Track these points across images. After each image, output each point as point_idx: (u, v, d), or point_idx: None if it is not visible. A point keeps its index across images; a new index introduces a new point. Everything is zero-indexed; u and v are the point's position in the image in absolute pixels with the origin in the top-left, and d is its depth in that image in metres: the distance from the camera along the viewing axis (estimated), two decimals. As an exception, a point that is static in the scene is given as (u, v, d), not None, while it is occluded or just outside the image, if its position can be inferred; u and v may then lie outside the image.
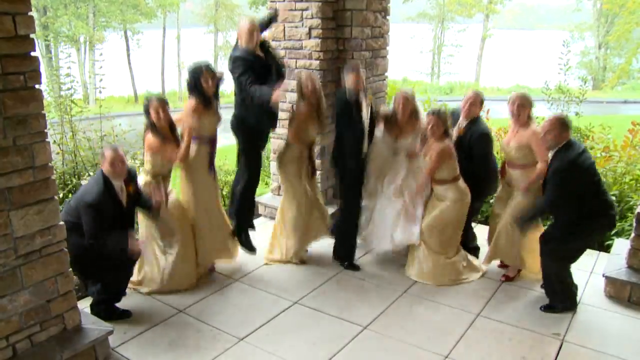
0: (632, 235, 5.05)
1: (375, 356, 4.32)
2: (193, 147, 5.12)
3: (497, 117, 9.15)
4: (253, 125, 5.35)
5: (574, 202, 4.52)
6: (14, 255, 3.63)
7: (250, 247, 5.78)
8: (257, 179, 5.73)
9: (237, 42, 5.31)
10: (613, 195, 6.50)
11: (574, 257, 4.84)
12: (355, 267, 5.68)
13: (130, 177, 4.63)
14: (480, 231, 6.03)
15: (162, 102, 4.92)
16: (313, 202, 5.73)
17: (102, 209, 4.38)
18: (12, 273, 3.65)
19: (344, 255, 5.75)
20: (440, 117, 5.17)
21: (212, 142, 5.23)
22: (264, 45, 5.40)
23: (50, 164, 3.75)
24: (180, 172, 5.26)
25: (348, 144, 5.35)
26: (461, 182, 5.31)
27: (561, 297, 4.90)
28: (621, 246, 5.42)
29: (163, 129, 4.94)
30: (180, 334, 4.58)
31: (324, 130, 5.74)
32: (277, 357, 4.28)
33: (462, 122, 5.45)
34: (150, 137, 4.92)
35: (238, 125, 5.39)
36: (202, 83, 4.98)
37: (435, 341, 4.47)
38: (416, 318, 4.82)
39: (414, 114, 5.44)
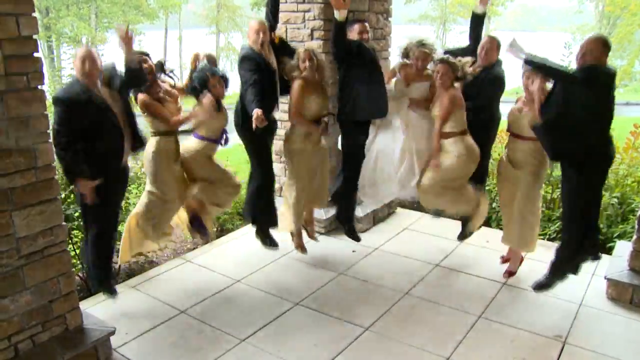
0: (634, 237, 5.05)
1: (377, 358, 4.31)
2: (198, 145, 5.16)
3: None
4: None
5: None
6: (16, 256, 3.64)
7: (272, 244, 5.79)
8: (268, 176, 5.59)
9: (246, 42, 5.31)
10: (615, 197, 6.51)
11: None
12: (354, 235, 5.71)
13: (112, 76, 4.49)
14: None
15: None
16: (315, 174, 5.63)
17: (72, 106, 4.15)
18: (14, 273, 3.65)
19: (344, 218, 5.80)
20: (451, 65, 5.12)
21: (217, 142, 5.27)
22: (281, 42, 5.45)
23: (52, 164, 3.76)
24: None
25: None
26: (469, 138, 5.24)
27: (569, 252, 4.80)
28: (623, 248, 5.41)
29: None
30: (181, 334, 4.59)
31: (325, 104, 5.47)
32: (279, 358, 4.28)
33: (478, 67, 5.38)
34: (142, 96, 4.91)
35: (240, 123, 5.30)
36: (210, 89, 5.01)
37: (437, 343, 4.46)
38: (418, 320, 4.82)
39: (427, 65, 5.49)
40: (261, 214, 5.69)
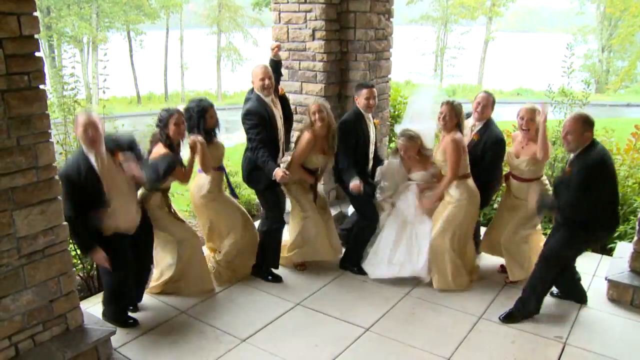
0: (635, 238, 5.04)
1: (377, 358, 4.31)
2: (206, 178, 5.16)
3: (500, 119, 9.11)
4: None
5: (590, 205, 4.33)
6: (17, 255, 3.63)
7: (275, 279, 5.63)
8: (277, 219, 5.53)
9: (252, 88, 5.29)
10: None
11: (568, 261, 4.81)
12: (364, 272, 5.64)
13: (117, 144, 4.34)
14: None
15: (182, 115, 4.81)
16: (321, 226, 5.65)
17: (74, 181, 4.11)
18: (15, 273, 3.64)
19: (356, 261, 5.70)
20: (454, 108, 5.08)
21: (221, 169, 5.28)
22: (282, 97, 5.50)
23: (53, 164, 3.75)
24: (199, 205, 5.30)
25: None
26: (471, 181, 5.22)
27: (533, 302, 4.78)
28: (624, 249, 5.41)
29: (174, 143, 4.79)
30: (182, 334, 4.58)
31: (329, 159, 5.54)
32: (279, 359, 4.28)
33: (475, 125, 5.42)
34: (162, 149, 4.71)
35: (249, 169, 5.35)
36: (207, 119, 5.00)
37: (438, 343, 4.46)
38: (418, 320, 4.82)
39: (420, 152, 5.49)
40: (270, 255, 5.62)
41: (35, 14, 3.45)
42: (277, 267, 5.63)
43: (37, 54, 3.51)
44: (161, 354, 4.33)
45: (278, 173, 4.92)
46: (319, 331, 4.65)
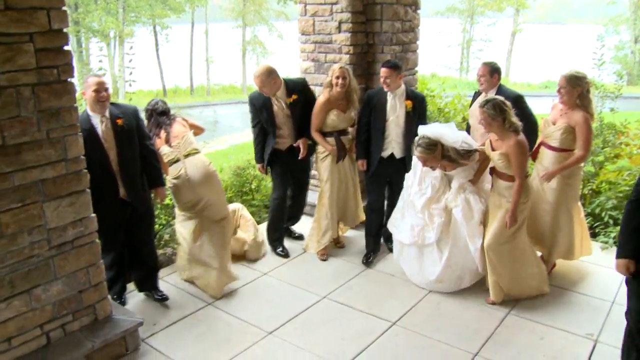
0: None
1: (404, 353, 4.28)
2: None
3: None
4: None
5: None
6: (47, 246, 3.69)
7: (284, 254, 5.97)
8: (277, 191, 5.94)
9: None
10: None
11: None
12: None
13: (122, 111, 4.58)
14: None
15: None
16: (347, 194, 5.88)
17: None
18: (46, 263, 3.71)
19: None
20: (488, 110, 4.54)
21: None
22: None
23: (82, 156, 3.79)
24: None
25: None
26: (528, 181, 4.81)
27: None
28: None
29: None
30: (209, 326, 4.61)
31: (348, 118, 5.63)
32: (306, 352, 4.27)
33: (489, 95, 5.28)
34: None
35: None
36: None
37: (465, 339, 4.41)
38: (445, 315, 4.77)
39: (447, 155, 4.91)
40: (270, 225, 6.04)
41: (64, 8, 3.48)
42: (277, 240, 6.00)
43: (66, 47, 3.56)
44: (187, 346, 4.36)
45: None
46: (345, 324, 4.64)
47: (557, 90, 4.98)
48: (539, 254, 5.39)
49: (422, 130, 4.97)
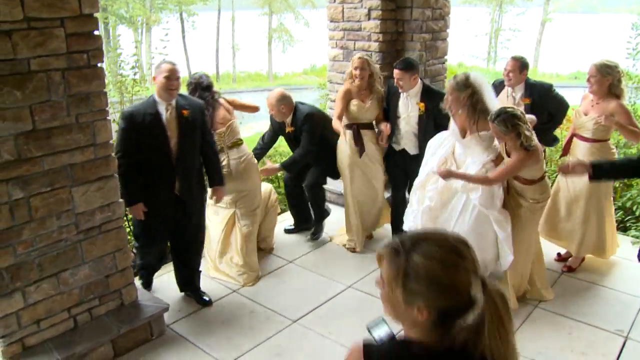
0: None
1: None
2: None
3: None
4: None
5: None
6: (75, 231, 3.72)
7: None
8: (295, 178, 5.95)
9: None
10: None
11: None
12: None
13: (189, 103, 4.47)
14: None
15: None
16: (369, 195, 5.70)
17: (136, 122, 4.20)
18: (74, 248, 3.74)
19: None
20: (496, 126, 4.14)
21: None
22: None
23: (110, 141, 3.81)
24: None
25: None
26: (546, 179, 4.52)
27: None
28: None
29: None
30: (233, 314, 4.62)
31: (369, 109, 5.45)
32: (331, 341, 4.25)
33: (514, 92, 5.28)
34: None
35: None
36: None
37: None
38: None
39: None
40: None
41: (94, -8, 3.48)
42: (299, 224, 6.12)
43: (96, 32, 3.56)
44: (212, 332, 4.37)
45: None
46: (370, 313, 4.56)
47: (586, 79, 4.86)
48: (562, 250, 5.34)
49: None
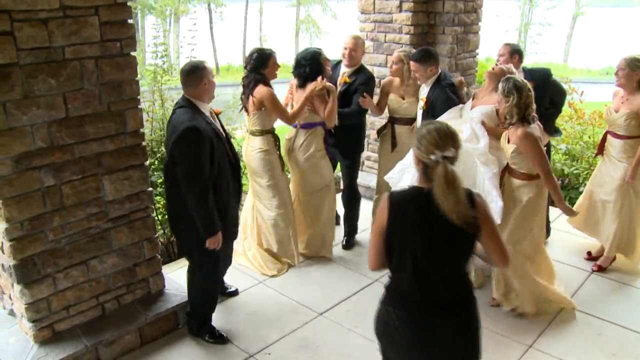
0: None
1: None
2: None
3: (589, 100, 8.67)
4: None
5: None
6: (104, 219, 3.74)
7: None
8: None
9: None
10: None
11: None
12: None
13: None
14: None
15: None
16: None
17: (206, 136, 3.61)
18: (103, 236, 3.77)
19: None
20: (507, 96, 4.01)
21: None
22: None
23: (141, 130, 3.82)
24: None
25: None
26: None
27: None
28: None
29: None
30: (259, 305, 4.62)
31: (403, 103, 5.31)
32: (356, 334, 4.23)
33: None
34: (264, 90, 4.70)
35: None
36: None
37: (519, 330, 4.28)
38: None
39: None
40: None
41: (128, -19, 3.49)
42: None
43: (129, 21, 3.56)
44: (238, 323, 4.38)
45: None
46: (395, 310, 4.57)
47: (615, 72, 4.79)
48: (593, 249, 5.25)
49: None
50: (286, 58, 33.38)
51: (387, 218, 2.52)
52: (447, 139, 2.45)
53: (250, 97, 4.77)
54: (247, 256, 5.23)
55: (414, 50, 5.22)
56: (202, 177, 3.59)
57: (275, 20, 34.72)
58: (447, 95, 4.84)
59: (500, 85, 4.06)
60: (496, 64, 4.67)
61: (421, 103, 5.01)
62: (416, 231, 2.49)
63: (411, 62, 5.00)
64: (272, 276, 5.04)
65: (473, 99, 4.67)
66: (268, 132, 4.93)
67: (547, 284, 4.50)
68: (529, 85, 4.06)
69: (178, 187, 3.68)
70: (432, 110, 4.89)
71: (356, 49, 5.26)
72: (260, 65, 4.75)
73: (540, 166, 4.04)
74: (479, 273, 4.83)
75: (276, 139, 4.99)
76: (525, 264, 4.38)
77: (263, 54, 4.78)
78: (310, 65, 4.93)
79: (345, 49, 5.26)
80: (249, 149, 5.00)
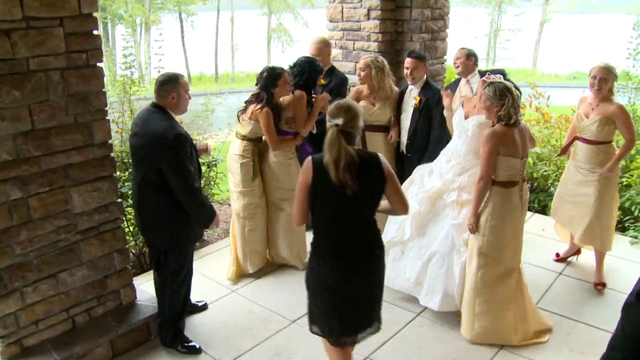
0: None
1: (428, 343, 4.24)
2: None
3: (556, 104, 8.83)
4: None
5: None
6: (73, 231, 3.71)
7: None
8: None
9: None
10: None
11: None
12: None
13: None
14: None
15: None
16: None
17: (189, 141, 3.77)
18: (72, 248, 3.73)
19: None
20: (485, 94, 4.01)
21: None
22: None
23: (109, 141, 3.80)
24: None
25: None
26: (515, 191, 4.11)
27: None
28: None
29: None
30: (232, 314, 4.61)
31: (374, 110, 5.39)
32: (329, 342, 4.24)
33: (472, 81, 5.27)
34: (263, 111, 4.76)
35: None
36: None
37: (491, 332, 4.34)
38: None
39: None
40: None
41: (94, -8, 3.47)
42: None
43: (95, 32, 3.55)
44: (211, 333, 4.37)
45: None
46: (368, 315, 4.59)
47: (594, 81, 4.70)
48: (561, 250, 5.29)
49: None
50: (259, 67, 33.41)
51: (311, 177, 3.04)
52: (340, 110, 3.02)
53: (251, 109, 4.89)
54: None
55: (380, 58, 5.30)
56: (195, 178, 3.75)
57: (247, 29, 34.67)
58: (440, 94, 5.07)
59: (488, 90, 3.98)
60: (489, 74, 4.70)
61: (413, 102, 5.20)
62: (333, 187, 2.96)
63: (412, 60, 5.14)
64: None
65: (463, 107, 4.63)
66: (250, 140, 4.97)
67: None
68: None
69: (154, 193, 3.76)
70: (426, 107, 5.14)
71: (320, 53, 5.39)
72: (270, 85, 4.80)
73: (482, 160, 4.02)
74: None
75: (255, 148, 5.02)
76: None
77: (273, 74, 4.81)
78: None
79: (312, 55, 5.36)
80: (230, 151, 5.08)
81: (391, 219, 4.74)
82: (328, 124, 3.02)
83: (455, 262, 4.33)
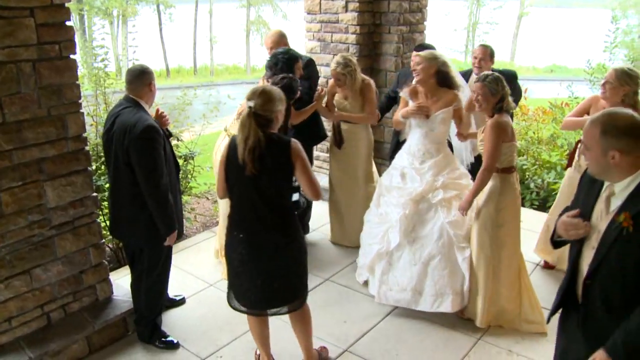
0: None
1: (406, 335, 4.25)
2: None
3: (534, 97, 8.91)
4: None
5: None
6: (47, 226, 3.65)
7: None
8: None
9: None
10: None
11: None
12: None
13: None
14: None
15: None
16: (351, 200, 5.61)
17: (160, 134, 3.66)
18: (46, 243, 3.68)
19: None
20: (487, 86, 3.97)
21: None
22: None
23: (83, 134, 3.74)
24: None
25: None
26: (515, 175, 4.23)
27: None
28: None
29: None
30: (210, 308, 4.58)
31: (348, 103, 5.31)
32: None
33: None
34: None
35: None
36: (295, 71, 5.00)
37: (467, 324, 4.35)
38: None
39: (440, 78, 4.51)
40: None
41: (65, -18, 3.41)
42: None
43: (68, 23, 3.48)
44: (189, 327, 4.34)
45: None
46: (347, 307, 4.60)
47: (602, 84, 4.51)
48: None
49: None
50: (237, 59, 33.26)
51: (226, 155, 3.27)
52: (254, 94, 3.17)
53: None
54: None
55: (351, 62, 5.13)
56: (162, 175, 3.62)
57: (225, 22, 34.46)
58: None
59: (488, 82, 3.97)
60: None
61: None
62: (238, 166, 3.15)
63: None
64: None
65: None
66: None
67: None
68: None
69: (127, 189, 3.68)
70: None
71: (276, 46, 5.34)
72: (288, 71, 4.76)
73: (487, 152, 4.04)
74: None
75: None
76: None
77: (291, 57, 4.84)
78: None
79: (268, 48, 5.49)
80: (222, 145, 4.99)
81: (371, 234, 4.76)
82: (245, 105, 3.16)
83: (460, 258, 4.33)
